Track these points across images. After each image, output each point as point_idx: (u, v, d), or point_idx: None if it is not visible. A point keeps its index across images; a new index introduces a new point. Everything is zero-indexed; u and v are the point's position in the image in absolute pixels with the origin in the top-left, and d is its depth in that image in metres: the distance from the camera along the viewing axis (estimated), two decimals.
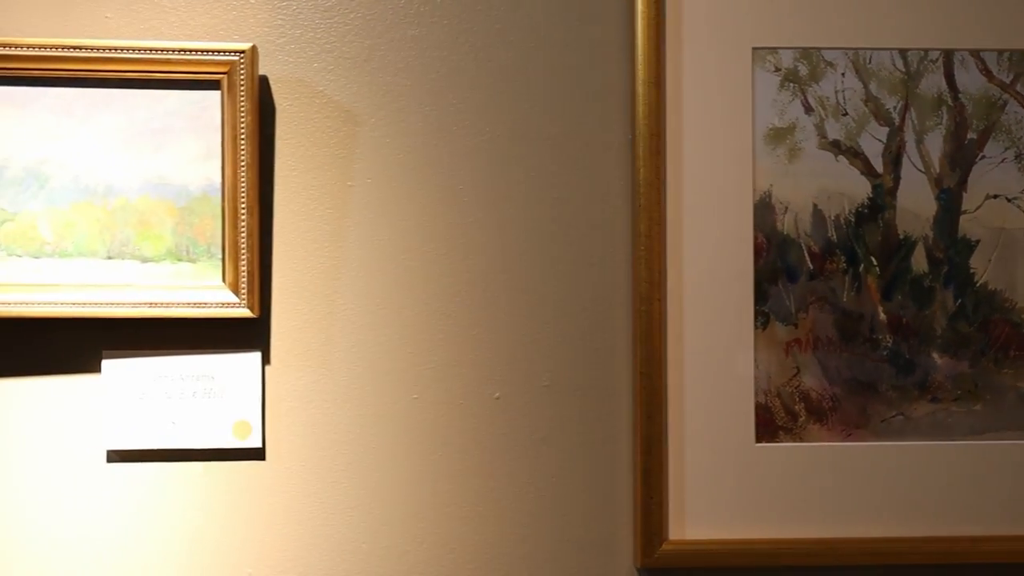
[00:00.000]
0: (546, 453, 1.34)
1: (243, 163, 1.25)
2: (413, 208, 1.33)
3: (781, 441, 1.34)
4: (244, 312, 1.26)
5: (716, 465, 1.33)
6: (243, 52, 1.25)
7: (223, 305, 1.26)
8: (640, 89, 1.31)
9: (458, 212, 1.33)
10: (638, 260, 1.31)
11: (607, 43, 1.35)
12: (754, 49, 1.33)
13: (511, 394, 1.34)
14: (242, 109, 1.25)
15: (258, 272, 1.27)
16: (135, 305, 1.25)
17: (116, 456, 1.30)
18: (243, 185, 1.26)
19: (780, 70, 1.34)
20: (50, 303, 1.24)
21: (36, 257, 1.25)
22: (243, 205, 1.26)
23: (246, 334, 1.31)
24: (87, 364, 1.29)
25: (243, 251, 1.26)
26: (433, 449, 1.33)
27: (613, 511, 1.34)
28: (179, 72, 1.25)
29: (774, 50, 1.34)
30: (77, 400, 1.29)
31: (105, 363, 1.29)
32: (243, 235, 1.26)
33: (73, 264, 1.26)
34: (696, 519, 1.33)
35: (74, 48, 1.23)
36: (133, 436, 1.28)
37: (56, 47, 1.22)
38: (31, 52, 1.22)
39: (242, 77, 1.25)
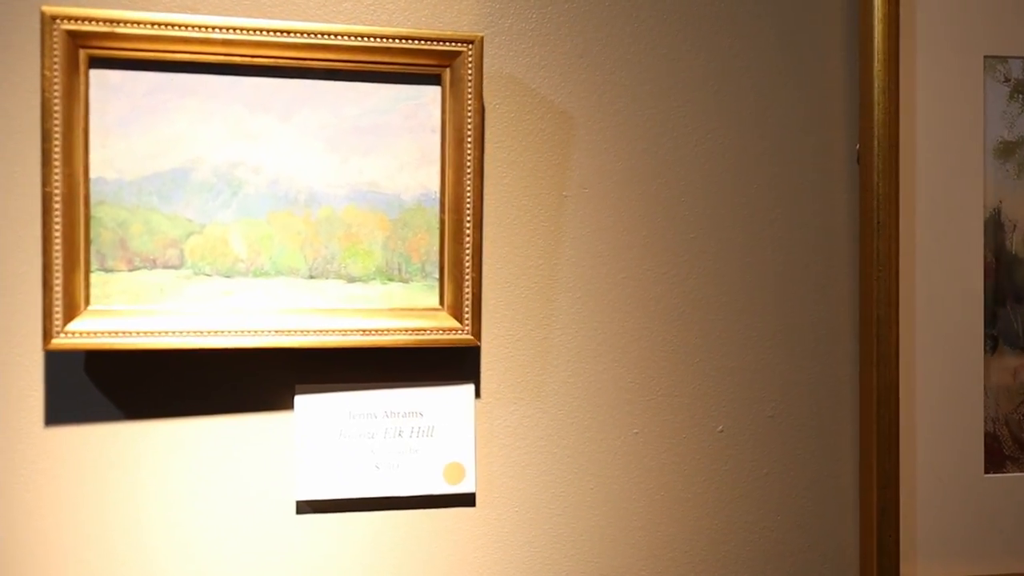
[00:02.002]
0: (770, 489, 1.25)
1: (468, 169, 1.11)
2: (631, 222, 1.21)
3: (1008, 471, 1.29)
4: (467, 340, 1.12)
5: (945, 498, 1.27)
6: (470, 42, 1.10)
7: (444, 331, 1.12)
8: (877, 96, 1.23)
9: (678, 227, 1.23)
10: (874, 281, 1.23)
11: (830, 50, 1.27)
12: (985, 58, 1.28)
13: (734, 427, 1.24)
14: (469, 108, 1.11)
15: (480, 295, 1.13)
16: (345, 333, 1.09)
17: (307, 507, 1.13)
18: (468, 195, 1.11)
19: (1009, 80, 1.29)
20: (247, 332, 1.06)
21: (228, 276, 1.08)
22: (468, 218, 1.11)
23: (453, 364, 1.16)
24: (277, 400, 1.12)
25: (467, 270, 1.12)
26: (655, 488, 1.22)
27: (839, 550, 1.27)
28: (394, 63, 1.10)
29: (1004, 59, 1.28)
30: (265, 442, 1.12)
31: (299, 399, 1.12)
32: (467, 252, 1.12)
33: (270, 285, 1.09)
34: (928, 556, 1.27)
35: (277, 32, 1.05)
36: (329, 484, 1.12)
37: (254, 30, 1.05)
38: (223, 35, 1.04)
39: (469, 71, 1.11)
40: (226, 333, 1.06)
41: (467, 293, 1.12)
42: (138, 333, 1.04)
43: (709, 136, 1.23)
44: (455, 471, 1.16)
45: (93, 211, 1.04)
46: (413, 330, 1.11)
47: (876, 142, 1.23)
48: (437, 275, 1.13)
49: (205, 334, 1.05)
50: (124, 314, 1.04)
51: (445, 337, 1.12)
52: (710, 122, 1.23)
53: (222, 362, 1.11)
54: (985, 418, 1.28)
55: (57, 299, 1.01)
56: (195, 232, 1.07)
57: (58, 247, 1.01)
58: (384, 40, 1.08)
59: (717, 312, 1.24)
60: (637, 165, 1.21)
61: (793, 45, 1.26)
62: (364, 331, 1.10)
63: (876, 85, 1.23)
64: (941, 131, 1.27)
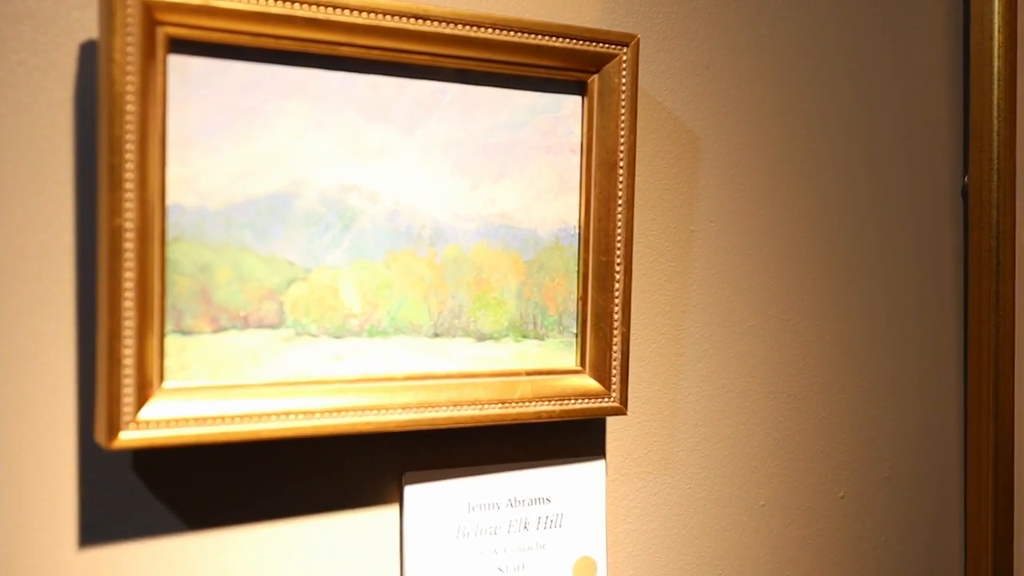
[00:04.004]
0: (888, 557, 1.16)
1: (620, 200, 0.93)
2: (756, 261, 1.08)
3: None
4: (614, 409, 0.94)
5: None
6: (624, 44, 0.93)
7: (587, 399, 0.93)
8: (997, 127, 1.16)
9: (798, 266, 1.10)
10: (992, 327, 1.16)
11: (933, 79, 1.19)
12: None
13: (854, 491, 1.14)
14: (622, 126, 0.93)
15: (628, 353, 0.95)
16: (480, 405, 0.88)
17: None
18: (619, 232, 0.93)
19: None
20: (369, 409, 0.83)
21: (337, 337, 0.84)
22: (618, 260, 0.93)
23: (575, 433, 0.98)
24: (378, 491, 0.89)
25: (616, 324, 0.94)
26: (783, 566, 1.09)
27: None
28: (538, 66, 0.90)
29: None
30: (362, 548, 0.89)
31: (409, 491, 0.90)
32: (616, 302, 0.94)
33: (388, 346, 0.86)
34: None
35: (411, 17, 0.83)
36: None
37: (379, 11, 0.82)
38: (349, 17, 0.80)
39: (623, 80, 0.93)
40: (343, 412, 0.82)
41: (615, 352, 0.94)
42: (232, 418, 0.78)
43: (823, 165, 1.12)
44: (586, 567, 0.97)
45: (168, 251, 0.77)
46: (555, 398, 0.92)
47: (995, 175, 1.16)
48: (575, 329, 0.94)
49: (316, 415, 0.81)
50: (208, 392, 0.78)
51: (590, 406, 0.93)
52: (821, 150, 1.12)
53: (309, 447, 0.86)
54: None
55: (127, 375, 0.74)
56: (298, 279, 0.82)
57: (129, 303, 0.74)
58: (537, 36, 0.88)
59: (836, 363, 1.13)
60: (759, 197, 1.08)
61: (899, 66, 1.17)
62: (503, 402, 0.89)
63: (995, 115, 1.17)
64: None
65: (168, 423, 0.76)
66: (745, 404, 1.07)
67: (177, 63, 0.77)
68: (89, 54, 0.78)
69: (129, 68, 0.73)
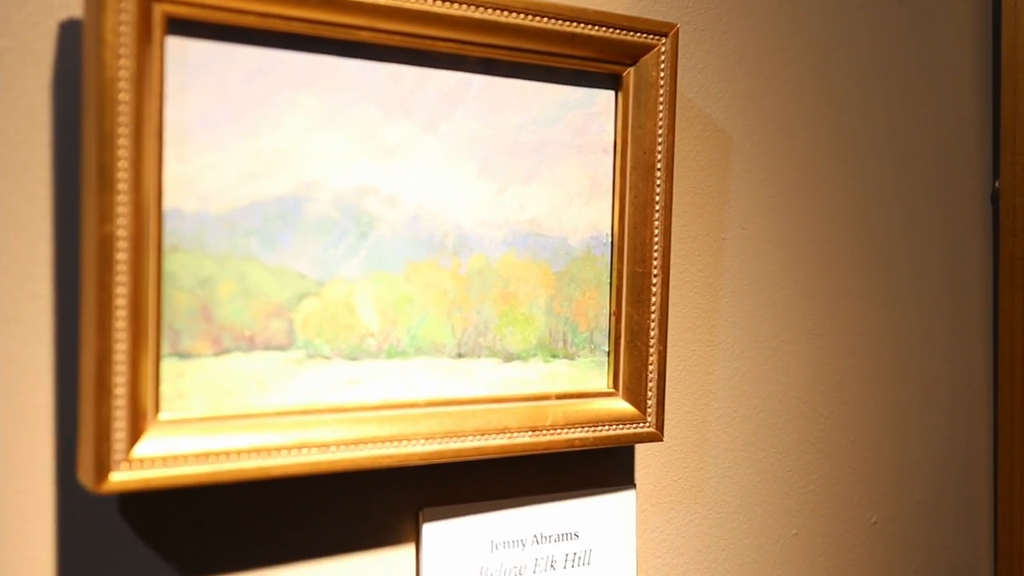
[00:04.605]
0: None
1: (657, 206, 0.85)
2: (788, 272, 1.01)
3: None
4: (650, 435, 0.86)
5: None
6: (663, 34, 0.84)
7: (621, 424, 0.85)
8: None
9: (830, 277, 1.04)
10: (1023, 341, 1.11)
11: (961, 79, 1.13)
12: None
13: (886, 516, 1.07)
14: (660, 124, 0.85)
15: (665, 374, 0.87)
16: (510, 434, 0.79)
17: None
18: (656, 241, 0.85)
19: None
20: (389, 440, 0.74)
21: (353, 359, 0.74)
22: (655, 272, 0.85)
23: (601, 459, 0.90)
24: (392, 530, 0.80)
25: (652, 342, 0.86)
26: None
27: None
28: (572, 56, 0.81)
29: None
30: None
31: (427, 529, 0.81)
32: (653, 318, 0.85)
33: (408, 368, 0.76)
34: None
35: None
36: None
37: None
38: None
39: (662, 75, 0.85)
40: (361, 444, 0.73)
41: (651, 372, 0.86)
42: (236, 454, 0.68)
43: (851, 171, 1.06)
44: None
45: (164, 262, 0.67)
46: (587, 424, 0.83)
47: None
48: (607, 347, 0.86)
49: (331, 447, 0.72)
50: (210, 424, 0.68)
51: (625, 432, 0.85)
52: (848, 154, 1.06)
53: (318, 482, 0.77)
54: None
55: (119, 406, 0.64)
56: (310, 293, 0.73)
57: (121, 322, 0.64)
58: (570, 23, 0.80)
59: (867, 380, 1.06)
60: (790, 202, 1.01)
61: (928, 64, 1.11)
62: (534, 430, 0.80)
63: None
64: None
65: (165, 461, 0.66)
66: (777, 425, 1.00)
67: (176, 46, 0.67)
68: (70, 35, 0.68)
69: (122, 51, 0.63)
